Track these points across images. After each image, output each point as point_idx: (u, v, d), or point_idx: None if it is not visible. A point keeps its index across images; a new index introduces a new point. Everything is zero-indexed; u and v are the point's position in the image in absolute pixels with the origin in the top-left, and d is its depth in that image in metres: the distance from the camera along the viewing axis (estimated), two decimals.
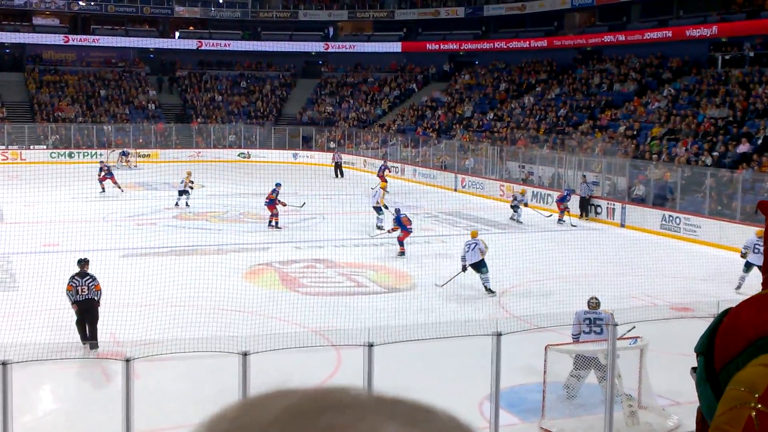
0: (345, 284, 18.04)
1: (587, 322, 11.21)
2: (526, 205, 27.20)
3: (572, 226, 25.89)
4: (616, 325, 10.02)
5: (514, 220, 26.77)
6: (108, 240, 20.47)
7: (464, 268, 16.92)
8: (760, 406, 1.40)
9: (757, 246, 16.30)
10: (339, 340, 12.01)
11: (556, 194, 29.12)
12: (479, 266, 16.83)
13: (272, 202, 23.99)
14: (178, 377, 11.55)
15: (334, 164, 40.04)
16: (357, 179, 37.08)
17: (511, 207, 27.13)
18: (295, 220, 25.88)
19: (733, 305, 1.63)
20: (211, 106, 51.82)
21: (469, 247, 17.00)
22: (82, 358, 11.73)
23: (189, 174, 27.76)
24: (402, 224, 20.59)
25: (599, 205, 27.69)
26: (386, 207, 24.64)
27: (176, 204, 27.48)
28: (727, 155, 27.61)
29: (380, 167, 35.41)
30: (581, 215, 27.44)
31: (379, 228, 23.57)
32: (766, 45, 34.53)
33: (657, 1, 41.65)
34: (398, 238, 20.78)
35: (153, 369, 10.83)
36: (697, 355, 1.64)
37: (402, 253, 20.55)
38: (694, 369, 1.55)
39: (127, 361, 8.00)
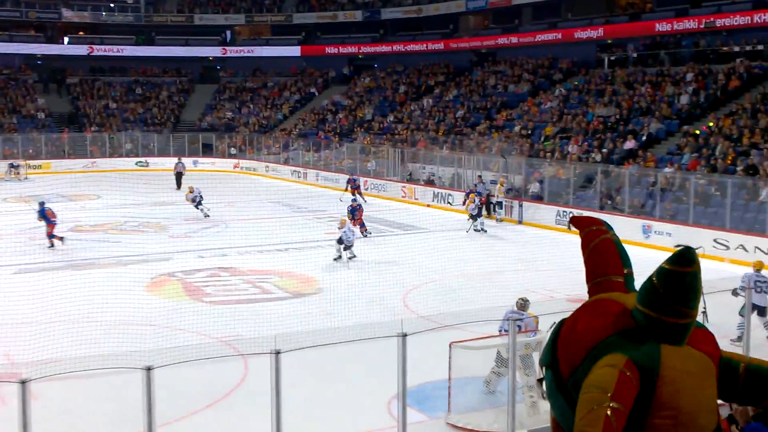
0: (250, 291, 17.95)
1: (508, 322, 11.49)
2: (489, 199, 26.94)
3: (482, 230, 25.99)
4: (520, 318, 10.36)
5: (479, 230, 25.09)
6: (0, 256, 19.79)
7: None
8: (613, 404, 1.56)
9: (758, 283, 12.94)
10: (246, 348, 11.95)
11: (457, 194, 29.68)
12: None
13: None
14: (80, 396, 11.29)
15: (175, 173, 37.39)
16: (258, 185, 36.83)
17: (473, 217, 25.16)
18: (196, 229, 25.56)
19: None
20: (105, 113, 50.53)
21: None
22: None
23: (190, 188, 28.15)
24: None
25: (499, 203, 28.34)
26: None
27: (206, 215, 27.42)
28: (614, 152, 28.70)
29: (348, 181, 32.20)
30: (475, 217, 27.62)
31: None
32: (648, 46, 36.00)
33: (547, 4, 42.90)
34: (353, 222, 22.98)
35: (54, 389, 10.56)
36: (545, 368, 1.77)
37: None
38: (540, 380, 1.69)
39: (23, 382, 7.76)
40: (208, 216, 27.18)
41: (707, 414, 1.90)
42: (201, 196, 27.77)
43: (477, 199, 25.42)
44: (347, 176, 33.30)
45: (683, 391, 1.85)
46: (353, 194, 29.46)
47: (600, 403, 1.58)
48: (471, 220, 25.25)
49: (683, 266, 1.87)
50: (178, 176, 37.13)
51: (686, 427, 1.85)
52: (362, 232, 23.76)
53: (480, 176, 29.23)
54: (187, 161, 43.35)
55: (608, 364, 1.70)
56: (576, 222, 2.17)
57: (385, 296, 16.85)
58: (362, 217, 24.45)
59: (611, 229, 2.18)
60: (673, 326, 1.87)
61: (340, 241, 20.54)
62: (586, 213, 24.77)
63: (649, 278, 1.91)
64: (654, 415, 1.83)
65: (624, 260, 2.05)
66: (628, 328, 1.86)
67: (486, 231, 25.07)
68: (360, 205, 25.45)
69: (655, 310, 1.86)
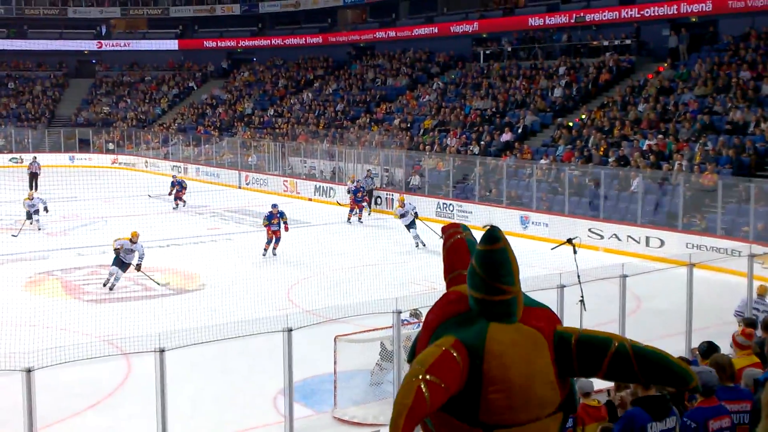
0: (132, 288, 17.73)
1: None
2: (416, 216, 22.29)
3: (358, 221, 26.44)
4: (400, 312, 10.67)
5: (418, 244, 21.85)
6: None
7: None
8: (429, 377, 1.72)
9: (756, 307, 11.68)
10: (129, 347, 11.86)
11: (339, 188, 29.97)
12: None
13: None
14: None
15: (29, 173, 34.56)
16: (137, 181, 36.07)
17: (407, 227, 22.41)
18: (74, 226, 24.91)
19: None
20: None
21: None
22: None
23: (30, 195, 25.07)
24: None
25: (379, 196, 28.81)
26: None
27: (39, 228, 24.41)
28: (492, 144, 29.54)
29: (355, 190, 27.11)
30: (369, 209, 27.98)
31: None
32: (521, 40, 37.15)
33: None
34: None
35: None
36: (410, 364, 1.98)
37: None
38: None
39: None
40: (41, 230, 24.45)
41: (541, 385, 2.00)
42: (45, 207, 24.20)
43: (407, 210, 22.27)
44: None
45: (512, 365, 1.96)
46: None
47: (416, 375, 1.73)
48: (408, 229, 22.23)
49: (491, 244, 2.01)
50: (33, 176, 34.04)
51: (520, 399, 1.97)
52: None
53: (369, 170, 29.41)
54: (63, 157, 41.97)
55: (437, 344, 1.88)
56: (442, 230, 2.44)
57: (269, 291, 16.95)
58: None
59: (466, 230, 2.42)
60: (498, 304, 1.99)
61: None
62: (466, 205, 25.61)
63: (471, 263, 2.09)
64: (487, 390, 1.95)
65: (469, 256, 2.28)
66: (462, 312, 2.06)
67: (425, 245, 21.33)
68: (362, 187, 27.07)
69: (479, 291, 2.04)
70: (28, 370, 7.95)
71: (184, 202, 29.21)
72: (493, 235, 2.04)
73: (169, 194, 29.16)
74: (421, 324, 8.33)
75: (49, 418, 9.68)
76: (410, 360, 2.04)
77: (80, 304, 16.04)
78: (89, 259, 20.49)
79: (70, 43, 53.34)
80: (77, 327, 14.00)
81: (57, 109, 50.85)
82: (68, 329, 13.86)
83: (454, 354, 1.88)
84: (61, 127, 47.52)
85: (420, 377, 1.77)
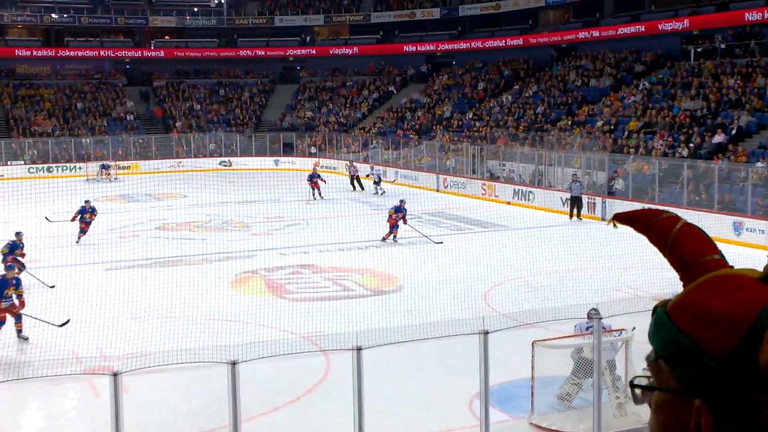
0: (331, 289, 18.08)
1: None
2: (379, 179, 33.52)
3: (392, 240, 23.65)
4: (601, 318, 10.11)
5: (378, 193, 32.33)
6: (91, 254, 20.42)
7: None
8: None
9: None
10: (327, 344, 12.04)
11: (538, 191, 29.31)
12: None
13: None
14: (167, 389, 11.55)
15: (350, 176, 36.82)
16: (336, 183, 37.12)
17: (375, 183, 32.91)
18: (278, 227, 25.90)
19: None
20: (190, 115, 51.69)
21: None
22: (69, 375, 11.69)
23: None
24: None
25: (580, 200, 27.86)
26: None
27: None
28: (702, 146, 27.88)
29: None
30: (572, 214, 26.89)
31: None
32: (736, 37, 34.87)
33: None
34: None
35: (141, 382, 10.84)
36: (674, 361, 1.54)
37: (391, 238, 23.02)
38: (632, 383, 1.49)
39: (115, 375, 7.98)
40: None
41: None
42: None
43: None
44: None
45: None
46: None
47: None
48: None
49: None
50: (354, 179, 36.56)
51: None
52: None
53: (575, 174, 28.12)
54: (269, 160, 43.96)
55: None
56: (631, 217, 1.97)
57: (466, 294, 16.74)
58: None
59: (679, 216, 2.06)
60: None
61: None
62: (672, 210, 24.20)
63: None
64: None
65: (710, 239, 1.93)
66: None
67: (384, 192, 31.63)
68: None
69: None
70: (233, 363, 8.15)
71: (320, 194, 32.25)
72: None
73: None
74: (624, 332, 7.60)
75: (252, 411, 9.93)
76: (663, 353, 1.63)
77: (281, 302, 16.51)
78: (291, 258, 21.17)
79: (277, 50, 55.87)
80: (279, 324, 14.39)
81: (263, 115, 53.40)
82: (270, 326, 14.28)
83: None
84: (267, 131, 49.86)
85: None
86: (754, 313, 1.52)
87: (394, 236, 23.01)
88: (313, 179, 32.66)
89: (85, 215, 22.95)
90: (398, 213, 23.03)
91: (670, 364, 1.53)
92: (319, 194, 32.25)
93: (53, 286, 16.97)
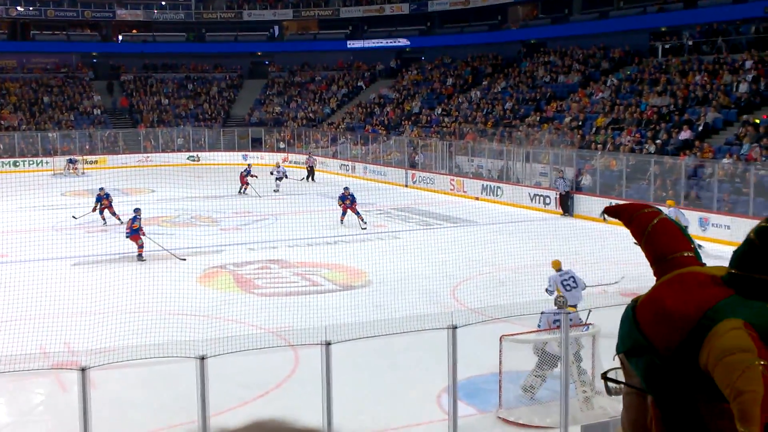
0: (300, 284, 18.08)
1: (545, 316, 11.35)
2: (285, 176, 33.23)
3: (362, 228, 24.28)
4: (568, 312, 10.23)
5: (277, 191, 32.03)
6: (58, 249, 20.19)
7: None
8: (762, 361, 1.44)
9: None
10: (296, 339, 12.05)
11: (506, 187, 29.47)
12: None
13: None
14: (135, 384, 11.50)
15: (307, 167, 38.32)
16: (300, 178, 37.06)
17: (276, 179, 32.64)
18: (247, 222, 25.81)
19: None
20: (157, 109, 51.28)
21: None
22: (37, 370, 11.59)
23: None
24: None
25: (548, 196, 28.08)
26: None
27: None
28: (669, 142, 28.18)
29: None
30: (563, 212, 27.03)
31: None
32: (704, 33, 35.27)
33: None
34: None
35: (109, 377, 10.77)
36: (631, 356, 1.59)
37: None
38: (604, 375, 1.54)
39: (83, 370, 7.94)
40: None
41: None
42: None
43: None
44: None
45: None
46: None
47: (750, 362, 1.48)
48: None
49: None
50: (310, 170, 38.34)
51: None
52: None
53: (561, 171, 28.13)
54: (236, 155, 43.75)
55: (732, 328, 1.59)
56: (617, 210, 2.02)
57: (434, 289, 16.83)
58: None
59: (661, 211, 2.10)
60: None
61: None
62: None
63: (745, 242, 1.82)
64: None
65: (686, 236, 1.97)
66: (728, 295, 1.76)
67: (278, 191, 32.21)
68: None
69: (757, 271, 1.75)
70: (202, 358, 8.15)
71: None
72: None
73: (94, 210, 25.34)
74: (591, 326, 7.68)
75: (220, 406, 9.91)
76: (623, 350, 1.69)
77: (250, 297, 16.49)
78: (259, 254, 21.13)
79: (245, 45, 55.65)
80: (247, 319, 14.38)
81: (231, 110, 53.14)
82: (239, 321, 14.26)
83: (753, 334, 1.61)
84: (235, 126, 49.64)
85: (756, 362, 1.48)
86: (701, 312, 1.56)
87: (361, 220, 24.05)
88: (244, 174, 32.25)
89: (103, 201, 24.78)
90: (345, 201, 24.39)
91: (629, 359, 1.58)
92: (244, 191, 31.76)
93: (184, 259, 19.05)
